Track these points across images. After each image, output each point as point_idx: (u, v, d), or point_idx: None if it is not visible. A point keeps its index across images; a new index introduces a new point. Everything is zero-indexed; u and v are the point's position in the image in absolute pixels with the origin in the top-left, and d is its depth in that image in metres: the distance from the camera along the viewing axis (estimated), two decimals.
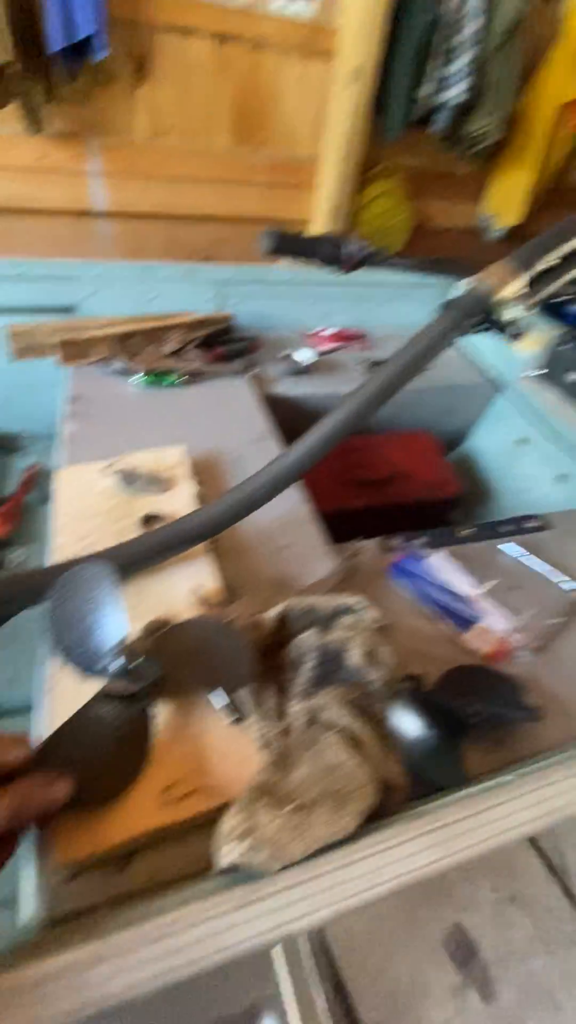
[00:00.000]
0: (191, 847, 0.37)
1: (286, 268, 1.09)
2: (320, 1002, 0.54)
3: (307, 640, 0.42)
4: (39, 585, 0.45)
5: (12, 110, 1.83)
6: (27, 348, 0.91)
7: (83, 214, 2.15)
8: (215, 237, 2.40)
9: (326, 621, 0.45)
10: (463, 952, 0.47)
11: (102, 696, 0.36)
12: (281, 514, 0.64)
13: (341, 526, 0.68)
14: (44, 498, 0.98)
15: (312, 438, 0.54)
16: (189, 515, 0.53)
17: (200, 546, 0.56)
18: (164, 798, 0.37)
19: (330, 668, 0.41)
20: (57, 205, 2.07)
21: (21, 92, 1.79)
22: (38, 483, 0.99)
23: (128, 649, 0.38)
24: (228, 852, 0.28)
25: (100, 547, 0.56)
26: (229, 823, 0.30)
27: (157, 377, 0.84)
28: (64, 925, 0.33)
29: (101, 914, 0.31)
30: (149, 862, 0.36)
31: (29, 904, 0.34)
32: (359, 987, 0.50)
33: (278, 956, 0.40)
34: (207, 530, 0.52)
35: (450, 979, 0.48)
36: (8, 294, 0.95)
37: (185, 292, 1.02)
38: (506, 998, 0.43)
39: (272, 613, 0.45)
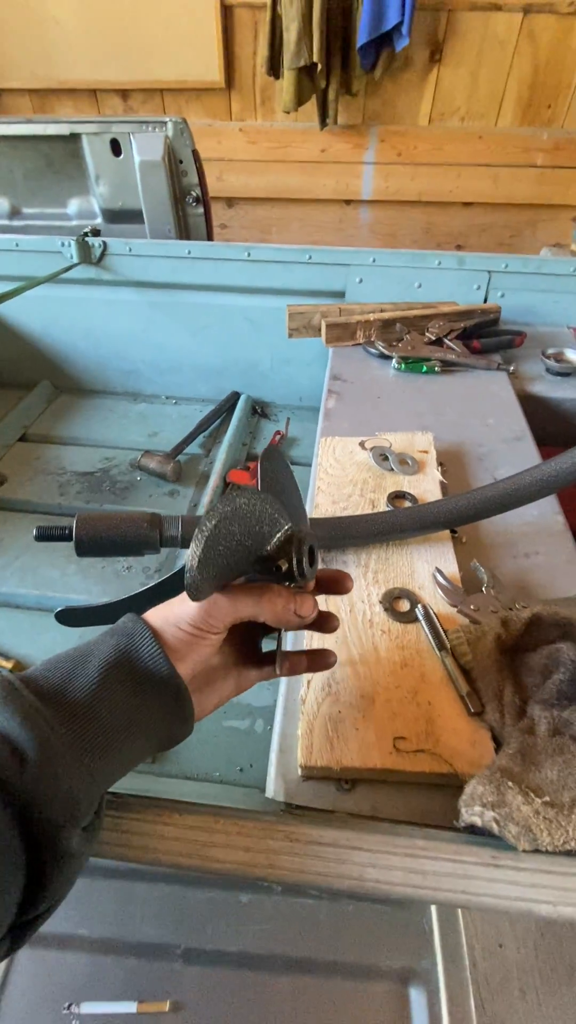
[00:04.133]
0: (408, 798, 0.40)
1: (563, 258, 1.01)
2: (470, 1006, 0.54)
3: (562, 651, 0.41)
4: None
5: (307, 106, 2.01)
6: (299, 328, 1.02)
7: (349, 202, 2.28)
8: (472, 224, 2.32)
9: None
10: None
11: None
12: (530, 521, 0.62)
13: None
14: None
15: None
16: (446, 499, 0.55)
17: (444, 532, 0.58)
18: (396, 746, 0.41)
19: None
20: (329, 195, 2.23)
21: (320, 89, 1.95)
22: (281, 446, 1.12)
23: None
24: (478, 814, 0.30)
25: (353, 512, 0.62)
26: (477, 788, 0.32)
27: (414, 364, 0.87)
28: (301, 813, 0.39)
29: (339, 817, 0.37)
30: (371, 796, 0.41)
31: (273, 785, 0.42)
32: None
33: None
34: (461, 516, 0.53)
35: None
36: (292, 277, 1.06)
37: (452, 281, 1.01)
38: None
39: (524, 615, 0.44)
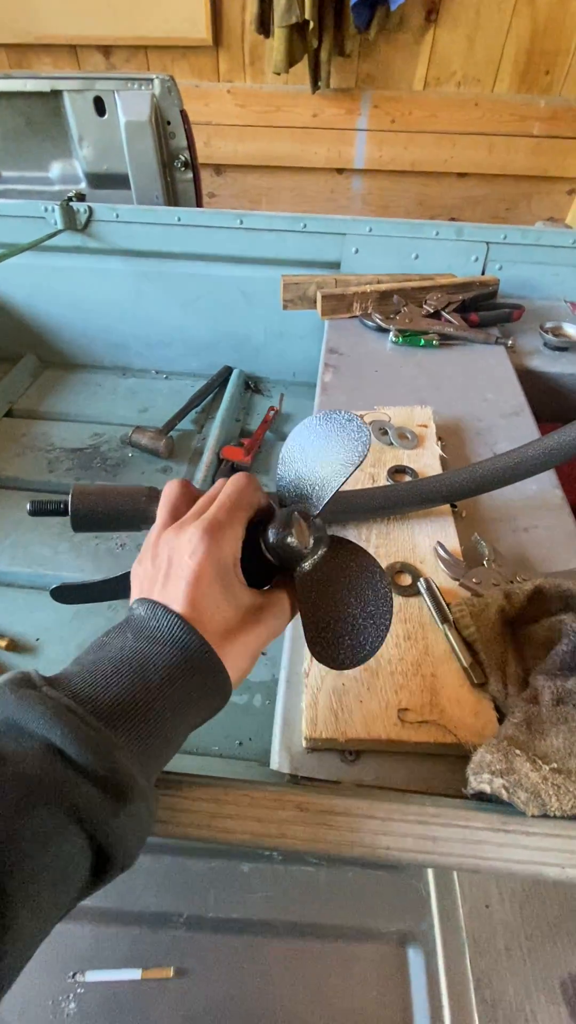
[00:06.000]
0: (412, 768, 0.41)
1: (563, 230, 0.99)
2: (466, 964, 0.56)
3: (564, 623, 0.41)
4: None
5: (298, 68, 1.93)
6: (294, 299, 0.99)
7: (341, 171, 2.21)
8: (466, 196, 2.27)
9: None
10: None
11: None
12: (530, 495, 0.62)
13: None
14: (280, 436, 1.09)
15: None
16: (447, 473, 0.54)
17: (445, 507, 0.58)
18: (401, 717, 0.41)
19: None
20: (321, 163, 2.16)
21: (312, 49, 1.87)
22: (275, 422, 1.10)
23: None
24: (487, 781, 0.31)
25: (352, 487, 0.61)
26: (485, 757, 0.32)
27: (411, 337, 0.86)
28: (306, 785, 0.40)
29: (347, 787, 0.37)
30: (375, 766, 0.41)
31: (277, 757, 0.42)
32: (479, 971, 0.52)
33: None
34: (462, 490, 0.53)
35: (562, 1017, 0.47)
36: (286, 246, 1.03)
37: (449, 252, 0.99)
38: None
39: (526, 587, 0.44)
